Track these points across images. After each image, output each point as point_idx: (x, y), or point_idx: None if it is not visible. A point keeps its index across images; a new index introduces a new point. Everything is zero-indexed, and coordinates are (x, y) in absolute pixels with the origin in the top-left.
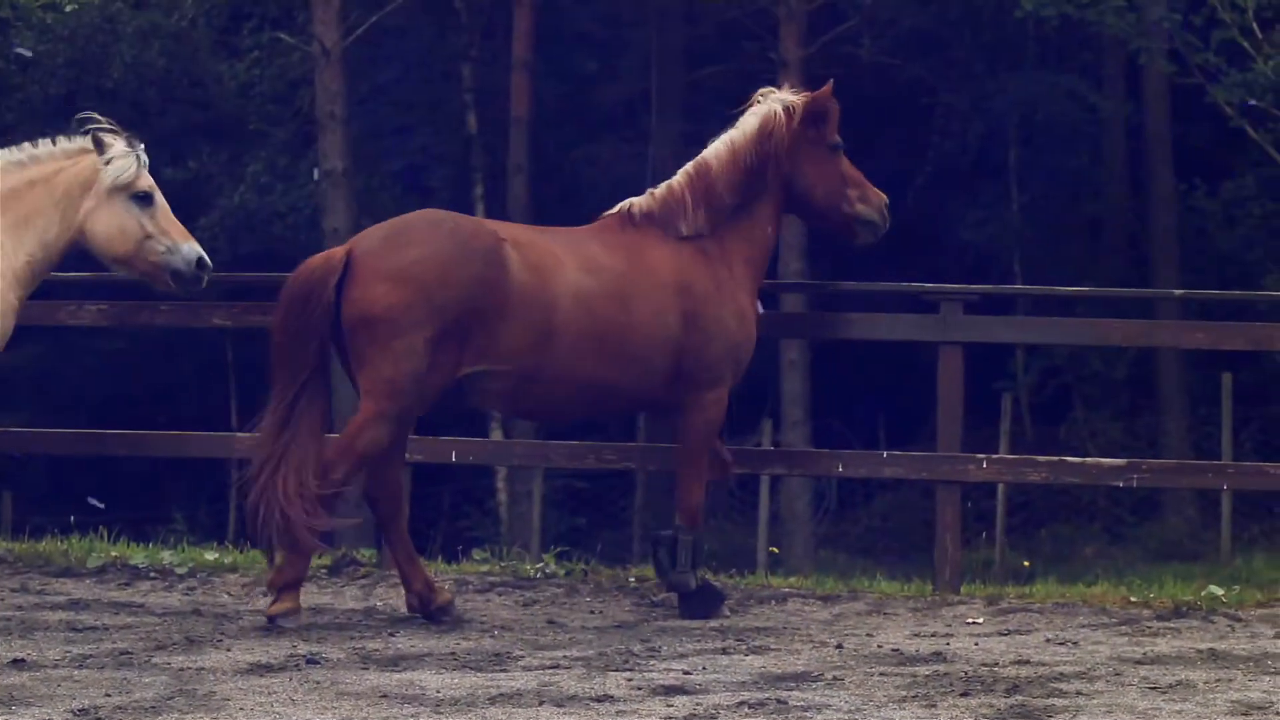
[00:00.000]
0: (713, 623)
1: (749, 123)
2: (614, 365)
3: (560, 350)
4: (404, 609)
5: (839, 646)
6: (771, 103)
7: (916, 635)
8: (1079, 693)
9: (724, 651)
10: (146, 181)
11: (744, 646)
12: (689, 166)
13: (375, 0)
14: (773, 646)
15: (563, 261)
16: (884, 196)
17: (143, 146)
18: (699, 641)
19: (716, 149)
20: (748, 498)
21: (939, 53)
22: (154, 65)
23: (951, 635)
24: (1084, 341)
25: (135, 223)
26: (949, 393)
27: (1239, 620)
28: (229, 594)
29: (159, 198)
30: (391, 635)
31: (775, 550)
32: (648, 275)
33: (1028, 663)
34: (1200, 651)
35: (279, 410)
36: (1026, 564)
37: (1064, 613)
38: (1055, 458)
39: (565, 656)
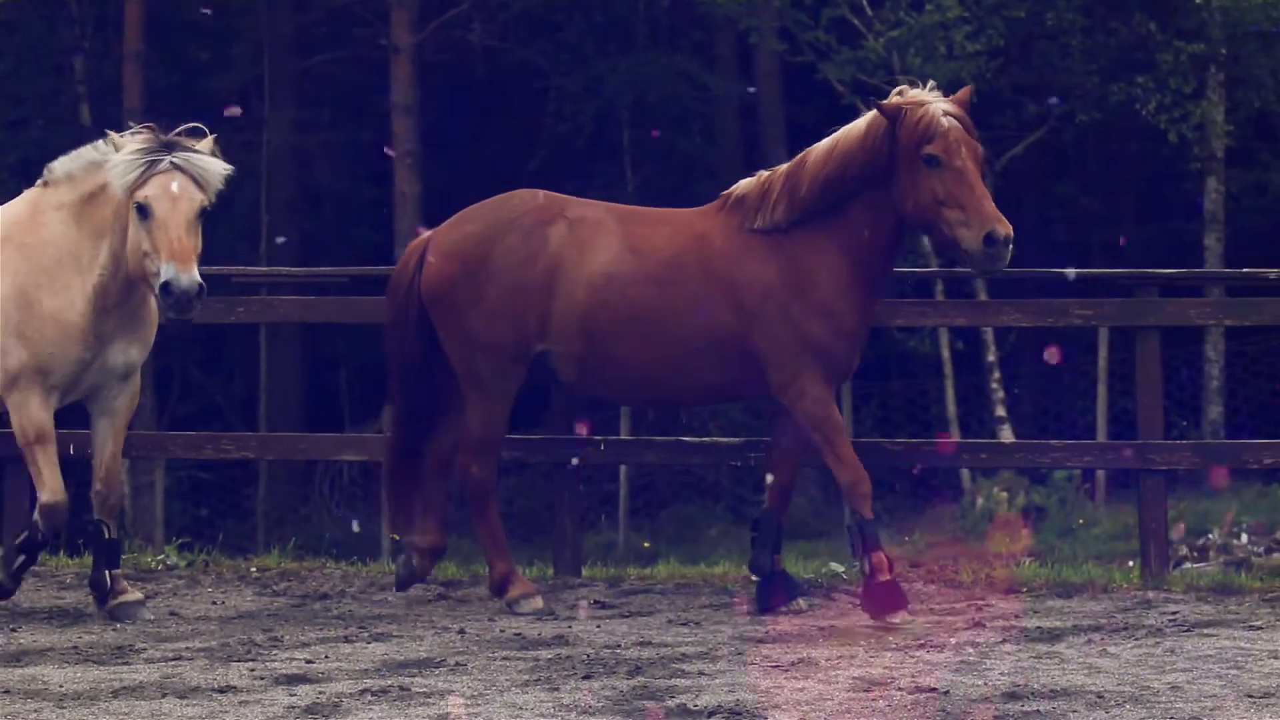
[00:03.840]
0: (335, 611)
1: (858, 123)
2: (652, 350)
3: (600, 332)
4: (26, 603)
5: (461, 632)
6: (892, 101)
7: (539, 619)
8: (701, 673)
9: (346, 639)
10: (146, 191)
11: (366, 634)
12: (798, 157)
13: None
14: (395, 633)
15: (609, 241)
16: (999, 227)
17: (182, 155)
18: (321, 630)
19: (821, 144)
20: (370, 485)
21: (551, 35)
22: None
23: (573, 618)
24: None
25: (135, 238)
26: None
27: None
28: None
29: (162, 209)
30: (14, 630)
31: (397, 538)
32: (699, 263)
33: (650, 644)
34: (821, 628)
35: (398, 402)
36: (647, 545)
37: (686, 593)
38: (673, 439)
39: (188, 648)
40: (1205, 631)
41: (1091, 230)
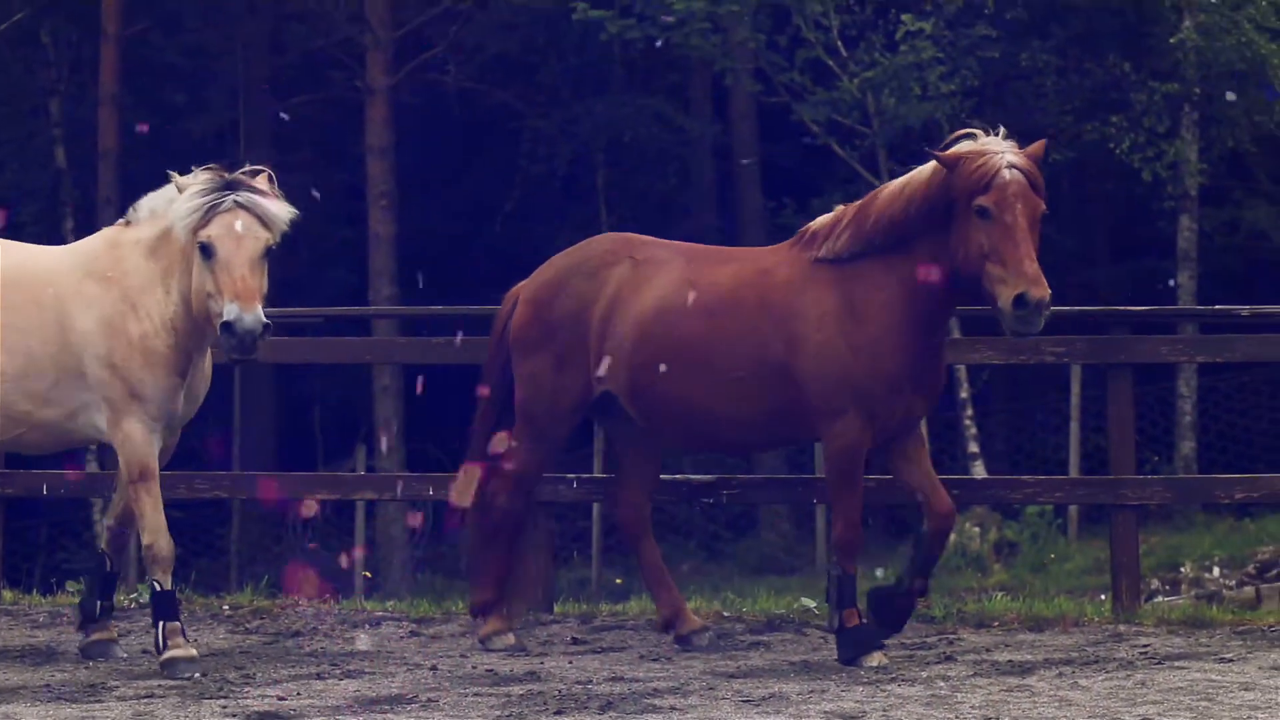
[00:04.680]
0: (307, 648)
1: (926, 166)
2: (698, 382)
3: (646, 365)
4: (2, 642)
5: (434, 669)
6: (954, 150)
7: (511, 655)
8: (673, 708)
9: (319, 676)
10: (209, 231)
11: (339, 671)
12: (873, 191)
13: None
14: (368, 670)
15: (666, 278)
16: (1033, 290)
17: (245, 195)
18: (294, 667)
19: (895, 182)
20: (343, 523)
21: (526, 77)
22: None
23: (546, 655)
24: None
25: (199, 278)
26: None
27: (831, 631)
28: None
29: (225, 249)
30: None
31: (369, 575)
32: (758, 294)
33: (621, 679)
34: (793, 663)
35: (478, 440)
36: (619, 581)
37: (657, 629)
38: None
39: (160, 686)
40: (1176, 664)
41: (1065, 268)
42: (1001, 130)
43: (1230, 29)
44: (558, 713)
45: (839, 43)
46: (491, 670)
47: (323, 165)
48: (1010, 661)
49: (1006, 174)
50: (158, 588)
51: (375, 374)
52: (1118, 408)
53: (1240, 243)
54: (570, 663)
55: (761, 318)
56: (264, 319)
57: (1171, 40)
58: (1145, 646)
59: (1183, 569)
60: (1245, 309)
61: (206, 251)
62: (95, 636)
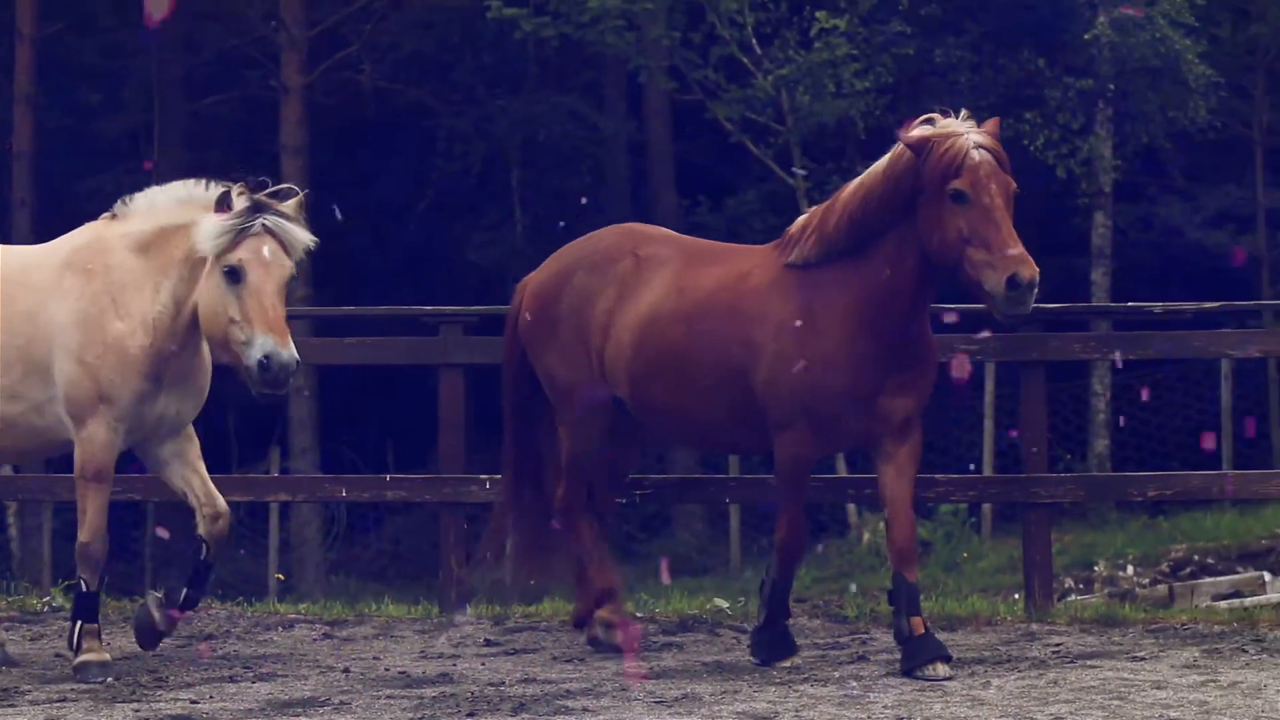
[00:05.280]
0: (220, 651)
1: (883, 158)
2: (685, 392)
3: (639, 374)
4: None
5: (346, 671)
6: (916, 133)
7: (424, 657)
8: (585, 709)
9: (231, 679)
10: (239, 255)
11: (251, 674)
12: (837, 191)
13: None
14: (280, 673)
15: (660, 280)
16: (1023, 270)
17: (272, 219)
18: (207, 670)
19: (853, 181)
20: (257, 525)
21: (441, 76)
22: None
23: (458, 656)
24: None
25: (222, 302)
26: (451, 415)
27: (744, 632)
28: None
29: (255, 275)
30: None
31: (282, 577)
32: (730, 300)
33: (534, 681)
34: (706, 664)
35: (510, 445)
36: (534, 582)
37: (570, 630)
38: None
39: (73, 690)
40: (1089, 663)
41: None
42: (963, 111)
43: (1145, 25)
44: (470, 715)
45: (753, 40)
46: (404, 672)
47: (237, 165)
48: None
49: (976, 155)
50: (83, 588)
51: None
52: (1030, 406)
53: (1155, 239)
54: (483, 664)
55: (730, 325)
56: (296, 355)
57: (1086, 36)
58: (1058, 645)
59: (1096, 567)
60: (1158, 306)
61: (235, 275)
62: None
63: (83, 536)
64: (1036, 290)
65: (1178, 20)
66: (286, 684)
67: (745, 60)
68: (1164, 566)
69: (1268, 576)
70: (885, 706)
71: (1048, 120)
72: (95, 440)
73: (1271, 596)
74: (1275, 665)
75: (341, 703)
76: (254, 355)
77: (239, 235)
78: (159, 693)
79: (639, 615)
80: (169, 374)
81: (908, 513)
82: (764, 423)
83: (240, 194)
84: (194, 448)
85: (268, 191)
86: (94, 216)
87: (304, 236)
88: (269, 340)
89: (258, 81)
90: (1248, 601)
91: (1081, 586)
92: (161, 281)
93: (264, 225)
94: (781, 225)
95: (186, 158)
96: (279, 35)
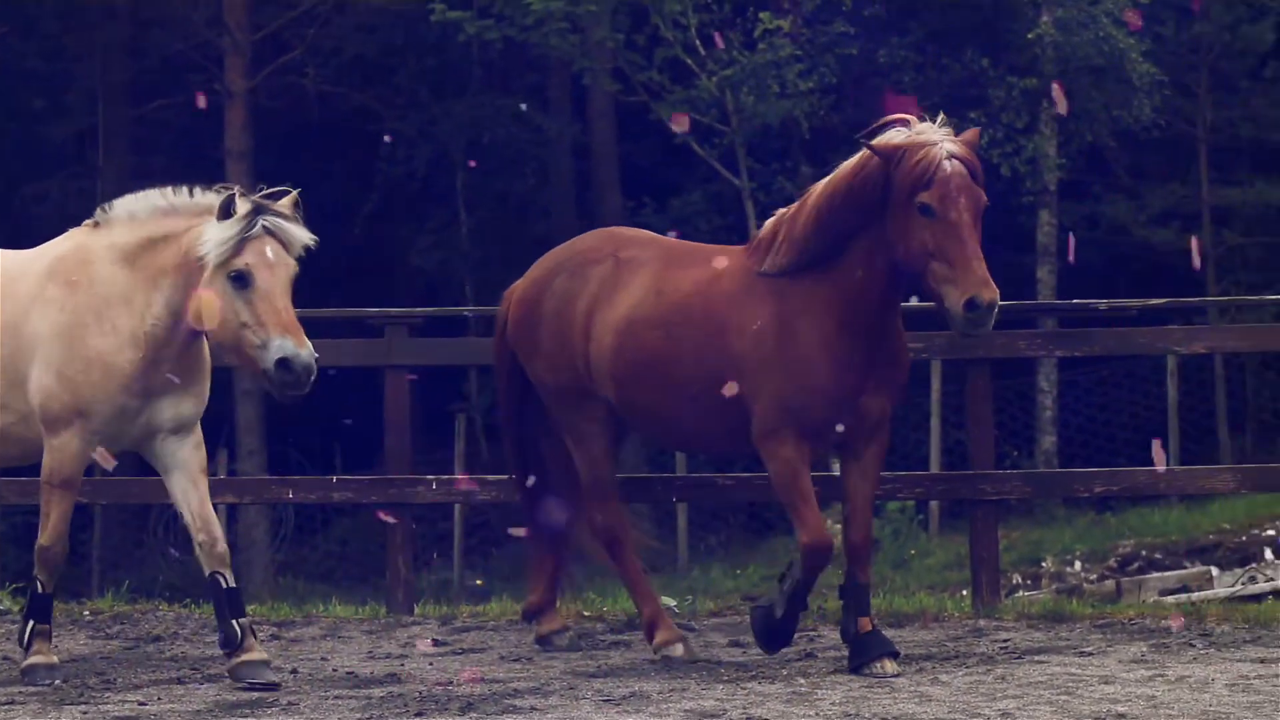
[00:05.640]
0: (168, 653)
1: (850, 160)
2: (666, 398)
3: (622, 378)
4: None
5: (294, 672)
6: (891, 137)
7: (371, 657)
8: (533, 708)
9: (179, 681)
10: (244, 259)
11: (199, 675)
12: (805, 194)
13: None
14: (228, 675)
15: (639, 283)
16: (983, 292)
17: (271, 219)
18: (154, 672)
19: (820, 184)
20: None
21: (385, 79)
22: None
23: (406, 656)
24: None
25: (230, 307)
26: (396, 416)
27: (693, 630)
28: None
29: (263, 278)
30: None
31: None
32: (704, 306)
33: (482, 680)
34: (653, 662)
35: (511, 451)
36: (480, 582)
37: (518, 629)
38: (505, 476)
39: (20, 692)
40: (1036, 658)
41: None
42: (940, 116)
43: (1088, 24)
44: (418, 714)
45: (697, 41)
46: (352, 673)
47: (181, 170)
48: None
49: (948, 166)
50: (39, 589)
51: (235, 377)
52: (976, 403)
53: (1100, 237)
54: (431, 664)
55: (706, 333)
56: (315, 354)
57: (1029, 35)
58: (1005, 641)
59: (1044, 563)
60: (1103, 303)
61: (243, 280)
62: (245, 657)
63: (44, 540)
64: (997, 312)
65: (1121, 19)
66: (233, 685)
67: (689, 61)
68: (1111, 562)
69: (1215, 571)
70: (833, 703)
71: (991, 119)
72: (67, 450)
73: (1219, 591)
74: (1222, 660)
75: (289, 703)
76: (272, 358)
77: (242, 240)
78: (106, 695)
79: (587, 614)
80: (161, 382)
81: (867, 512)
82: (748, 428)
83: (239, 198)
84: (199, 458)
85: (263, 193)
86: (40, 220)
87: (303, 235)
88: (287, 342)
89: (202, 86)
90: (1195, 596)
91: (1029, 583)
92: (152, 294)
93: (264, 227)
94: (726, 226)
95: (132, 162)
96: (223, 40)
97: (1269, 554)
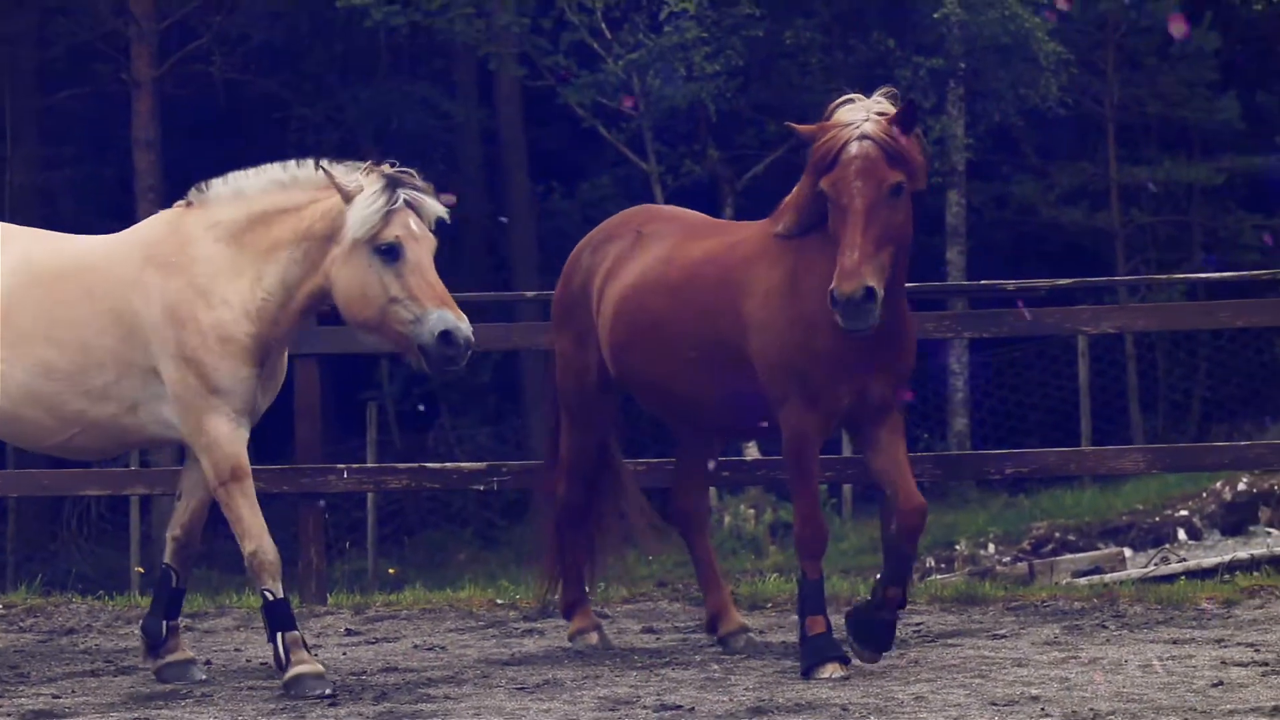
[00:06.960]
0: (82, 645)
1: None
2: (666, 365)
3: (619, 344)
4: None
5: (208, 663)
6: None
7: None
8: (447, 696)
9: (93, 674)
10: (393, 232)
11: (113, 668)
12: None
13: None
14: (142, 667)
15: (651, 253)
16: (846, 285)
17: (410, 192)
18: (68, 665)
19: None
20: (118, 518)
21: (292, 66)
22: None
23: (319, 646)
24: None
25: (378, 282)
26: (306, 404)
27: (605, 616)
28: None
29: (412, 251)
30: None
31: (143, 570)
32: (719, 270)
33: (396, 669)
34: (567, 650)
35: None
36: (393, 571)
37: (431, 618)
38: (415, 465)
39: None
40: (949, 641)
41: None
42: (886, 87)
43: (993, 3)
44: (332, 704)
45: (603, 25)
46: (266, 664)
47: (90, 159)
48: (784, 643)
49: (854, 147)
50: (269, 597)
51: None
52: None
53: (1009, 217)
54: (344, 654)
55: (717, 295)
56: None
57: (935, 15)
58: (919, 624)
59: (958, 546)
60: (1011, 283)
61: (393, 253)
62: (171, 659)
63: (248, 546)
64: (873, 305)
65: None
66: (148, 677)
67: (595, 45)
68: (1025, 544)
69: (1128, 552)
70: (746, 689)
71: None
72: (220, 436)
73: (1131, 572)
74: (1135, 641)
75: (204, 695)
76: (430, 331)
77: (389, 213)
78: (20, 688)
79: (500, 602)
80: (270, 364)
81: (909, 481)
82: (753, 399)
83: (370, 172)
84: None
85: (395, 168)
86: None
87: (438, 207)
88: (446, 314)
89: (109, 75)
90: (1108, 578)
91: (943, 566)
92: (264, 268)
93: (405, 200)
94: None
95: (40, 151)
96: (129, 29)
97: (1181, 534)
